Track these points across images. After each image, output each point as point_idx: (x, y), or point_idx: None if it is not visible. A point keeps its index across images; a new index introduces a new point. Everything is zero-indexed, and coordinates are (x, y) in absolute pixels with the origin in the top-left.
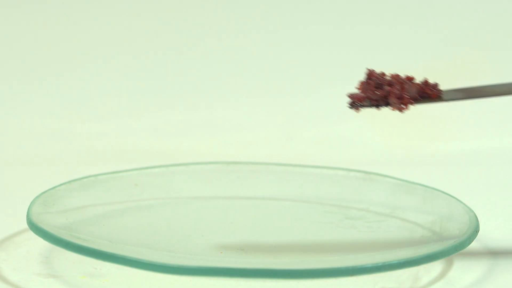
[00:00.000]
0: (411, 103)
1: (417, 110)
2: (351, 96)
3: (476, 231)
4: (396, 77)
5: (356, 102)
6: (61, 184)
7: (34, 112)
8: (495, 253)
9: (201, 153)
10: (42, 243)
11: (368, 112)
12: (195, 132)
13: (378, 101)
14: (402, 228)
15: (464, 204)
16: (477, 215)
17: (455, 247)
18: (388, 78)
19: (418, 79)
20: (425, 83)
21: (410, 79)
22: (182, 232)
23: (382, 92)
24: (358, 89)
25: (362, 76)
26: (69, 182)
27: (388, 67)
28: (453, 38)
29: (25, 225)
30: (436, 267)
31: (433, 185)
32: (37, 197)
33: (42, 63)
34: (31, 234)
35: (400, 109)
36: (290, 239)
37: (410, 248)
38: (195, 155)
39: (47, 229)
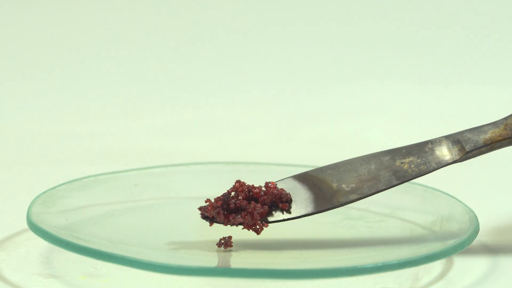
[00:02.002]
0: (266, 226)
1: (417, 110)
2: (202, 209)
3: (476, 231)
4: (243, 194)
5: (209, 216)
6: (61, 184)
7: (34, 112)
8: (495, 253)
9: (201, 153)
10: (42, 243)
11: (368, 112)
12: (195, 132)
13: (232, 224)
14: (402, 228)
15: (464, 204)
16: (477, 215)
17: (455, 247)
18: (237, 197)
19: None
20: (275, 195)
21: (256, 193)
22: (182, 232)
23: (234, 222)
24: (207, 203)
25: (361, 76)
26: (69, 182)
27: (387, 67)
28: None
29: (25, 225)
30: (436, 267)
31: (433, 185)
32: (37, 197)
33: (42, 63)
34: (31, 234)
35: (256, 232)
36: (290, 239)
37: (410, 248)
38: (195, 155)
39: (47, 229)
